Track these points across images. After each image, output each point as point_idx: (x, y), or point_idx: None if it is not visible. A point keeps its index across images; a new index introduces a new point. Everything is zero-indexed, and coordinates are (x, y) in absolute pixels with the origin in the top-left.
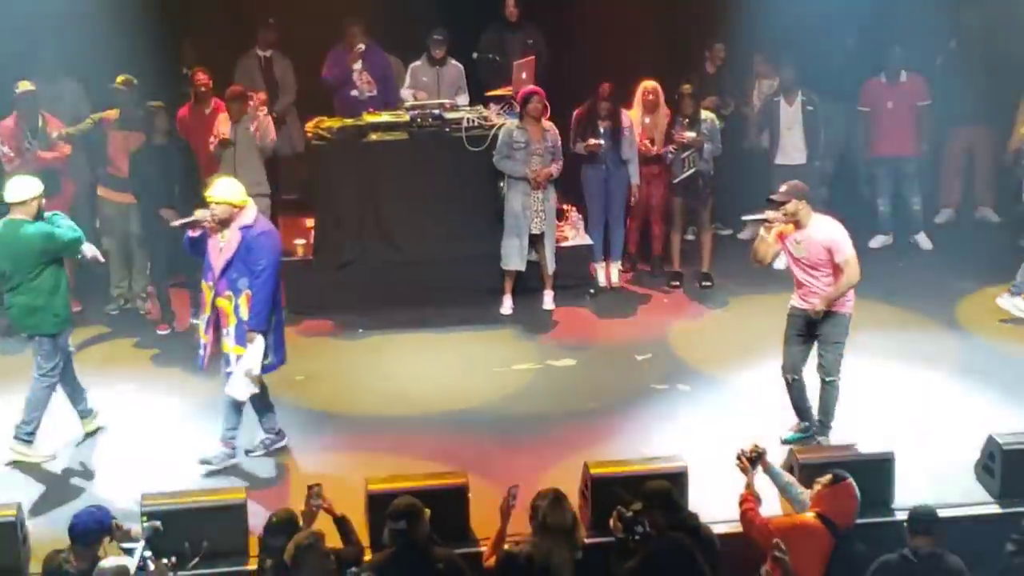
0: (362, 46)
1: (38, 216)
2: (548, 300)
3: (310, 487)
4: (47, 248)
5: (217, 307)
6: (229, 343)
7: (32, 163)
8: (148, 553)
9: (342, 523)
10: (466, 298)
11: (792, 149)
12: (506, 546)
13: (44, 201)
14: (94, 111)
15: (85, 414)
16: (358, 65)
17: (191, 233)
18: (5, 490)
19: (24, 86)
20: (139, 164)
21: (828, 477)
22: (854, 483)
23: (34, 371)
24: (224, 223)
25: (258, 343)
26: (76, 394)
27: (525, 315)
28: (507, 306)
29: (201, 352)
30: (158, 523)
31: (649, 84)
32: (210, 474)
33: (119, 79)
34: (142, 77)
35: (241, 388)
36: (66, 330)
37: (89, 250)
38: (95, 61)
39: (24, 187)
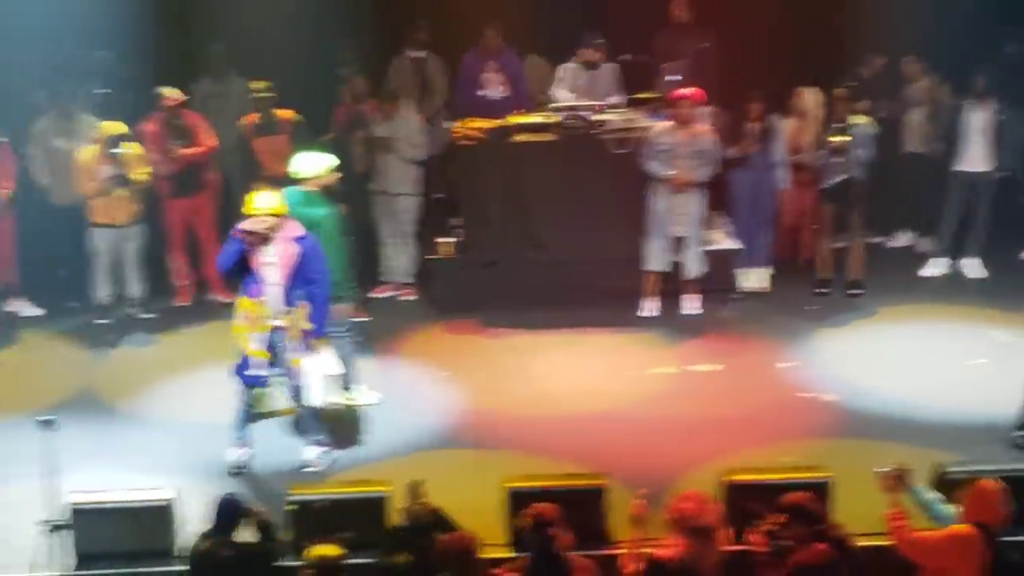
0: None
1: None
2: (691, 304)
3: (412, 484)
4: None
5: (275, 323)
6: (293, 356)
7: (178, 162)
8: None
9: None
10: (609, 300)
11: (977, 157)
12: (646, 552)
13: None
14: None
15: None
16: (491, 66)
17: (241, 247)
18: (158, 474)
19: (170, 93)
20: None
21: (976, 485)
22: (995, 481)
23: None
24: (269, 237)
25: (325, 349)
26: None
27: (667, 319)
28: (647, 308)
29: (261, 371)
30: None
31: (803, 91)
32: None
33: (260, 85)
34: (300, 78)
35: (320, 394)
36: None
37: None
38: (259, 61)
39: (315, 162)
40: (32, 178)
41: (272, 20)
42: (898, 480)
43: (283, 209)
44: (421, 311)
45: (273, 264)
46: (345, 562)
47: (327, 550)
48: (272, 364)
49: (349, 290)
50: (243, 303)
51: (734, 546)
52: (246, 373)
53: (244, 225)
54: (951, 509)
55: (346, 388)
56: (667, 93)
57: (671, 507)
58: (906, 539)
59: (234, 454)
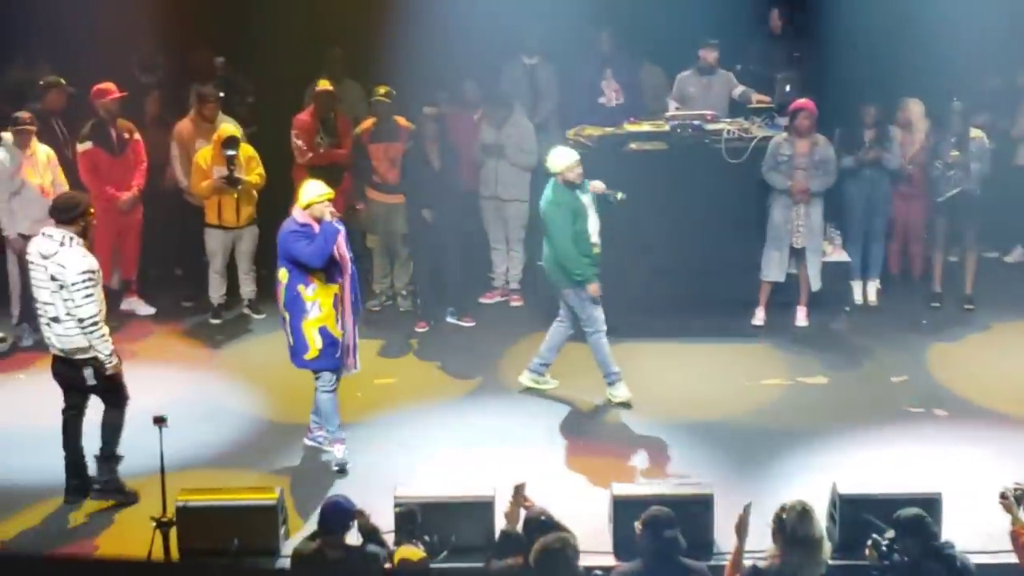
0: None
1: (572, 185)
2: (802, 316)
3: (516, 487)
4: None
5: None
6: (339, 329)
7: (323, 158)
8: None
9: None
10: (720, 309)
11: None
12: (747, 562)
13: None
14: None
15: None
16: (607, 73)
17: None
18: (269, 474)
19: (323, 85)
20: (408, 166)
21: None
22: None
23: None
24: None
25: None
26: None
27: (778, 330)
28: (759, 317)
29: (353, 356)
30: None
31: (909, 102)
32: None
33: (380, 90)
34: (411, 84)
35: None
36: (577, 285)
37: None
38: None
39: (560, 157)
40: (173, 177)
41: (387, 26)
42: (1020, 498)
43: (332, 194)
44: (529, 317)
45: (340, 251)
46: (431, 565)
47: (410, 553)
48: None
49: (590, 273)
50: (328, 290)
51: (839, 561)
52: (338, 357)
53: (331, 212)
54: None
55: (611, 384)
56: (781, 103)
57: (774, 518)
58: None
59: (340, 451)
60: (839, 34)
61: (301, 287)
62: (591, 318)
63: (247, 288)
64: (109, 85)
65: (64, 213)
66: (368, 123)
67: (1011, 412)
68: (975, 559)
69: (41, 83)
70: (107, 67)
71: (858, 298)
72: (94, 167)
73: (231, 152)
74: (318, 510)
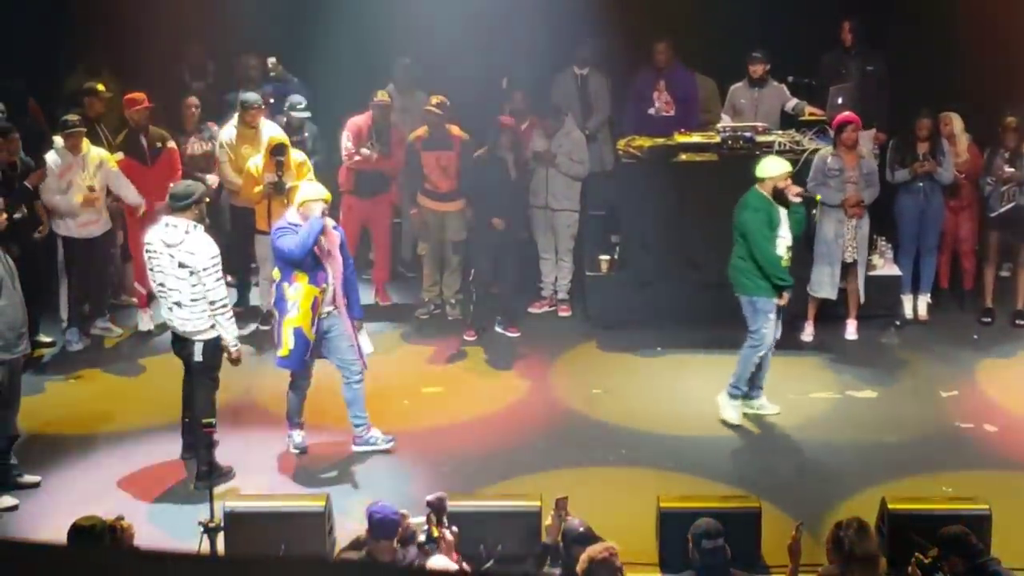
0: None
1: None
2: (852, 329)
3: (558, 500)
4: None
5: (329, 309)
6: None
7: (367, 163)
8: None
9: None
10: None
11: None
12: None
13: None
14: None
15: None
16: (660, 84)
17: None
18: (312, 480)
19: (382, 96)
20: (474, 174)
21: None
22: None
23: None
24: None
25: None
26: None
27: (827, 343)
28: (808, 332)
29: (361, 357)
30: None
31: (946, 115)
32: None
33: (434, 100)
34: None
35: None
36: (759, 295)
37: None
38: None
39: (774, 165)
40: (223, 182)
41: (454, 38)
42: None
43: (330, 197)
44: (576, 327)
45: (329, 252)
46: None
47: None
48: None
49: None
50: (309, 292)
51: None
52: (306, 359)
53: (323, 212)
54: None
55: (751, 397)
56: (832, 116)
57: (831, 534)
58: None
59: (299, 435)
60: (901, 46)
61: (285, 286)
62: (758, 333)
63: None
64: (139, 95)
65: (180, 200)
66: (421, 131)
67: None
68: None
69: (81, 90)
70: (161, 74)
71: (908, 312)
72: (128, 177)
73: (280, 158)
74: (366, 517)
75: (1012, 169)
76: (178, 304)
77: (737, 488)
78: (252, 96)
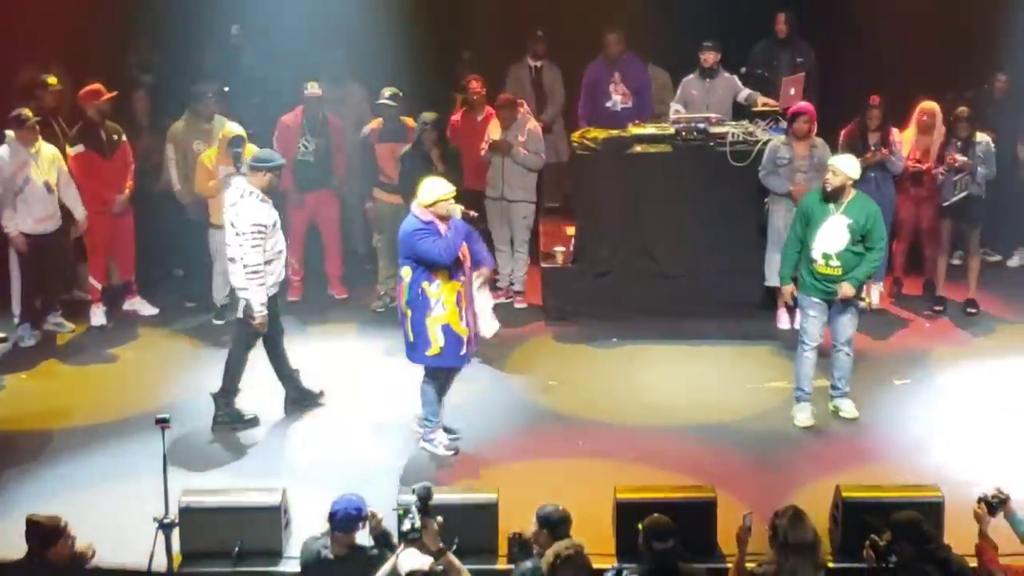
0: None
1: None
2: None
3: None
4: None
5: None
6: (463, 326)
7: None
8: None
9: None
10: (722, 313)
11: None
12: (749, 565)
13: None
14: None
15: None
16: (615, 76)
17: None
18: (273, 474)
19: (312, 88)
20: (405, 167)
21: None
22: None
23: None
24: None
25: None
26: None
27: (782, 333)
28: (784, 320)
29: (468, 348)
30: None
31: (927, 105)
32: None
33: (386, 92)
34: (417, 84)
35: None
36: (799, 293)
37: None
38: (378, 67)
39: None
40: (166, 178)
41: (389, 28)
42: (992, 508)
43: (454, 192)
44: (532, 319)
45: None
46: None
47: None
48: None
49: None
50: (452, 287)
51: (843, 564)
52: (461, 354)
53: (459, 210)
54: None
55: (831, 396)
56: (786, 106)
57: (769, 524)
58: (992, 572)
59: (443, 437)
60: (845, 38)
61: (425, 284)
62: (800, 329)
63: None
64: (98, 86)
65: (257, 161)
66: (375, 123)
67: (1013, 414)
68: (974, 563)
69: (32, 83)
70: (108, 67)
71: (861, 301)
72: (87, 170)
73: (238, 150)
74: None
75: (964, 158)
76: (232, 260)
77: (693, 477)
78: (205, 88)
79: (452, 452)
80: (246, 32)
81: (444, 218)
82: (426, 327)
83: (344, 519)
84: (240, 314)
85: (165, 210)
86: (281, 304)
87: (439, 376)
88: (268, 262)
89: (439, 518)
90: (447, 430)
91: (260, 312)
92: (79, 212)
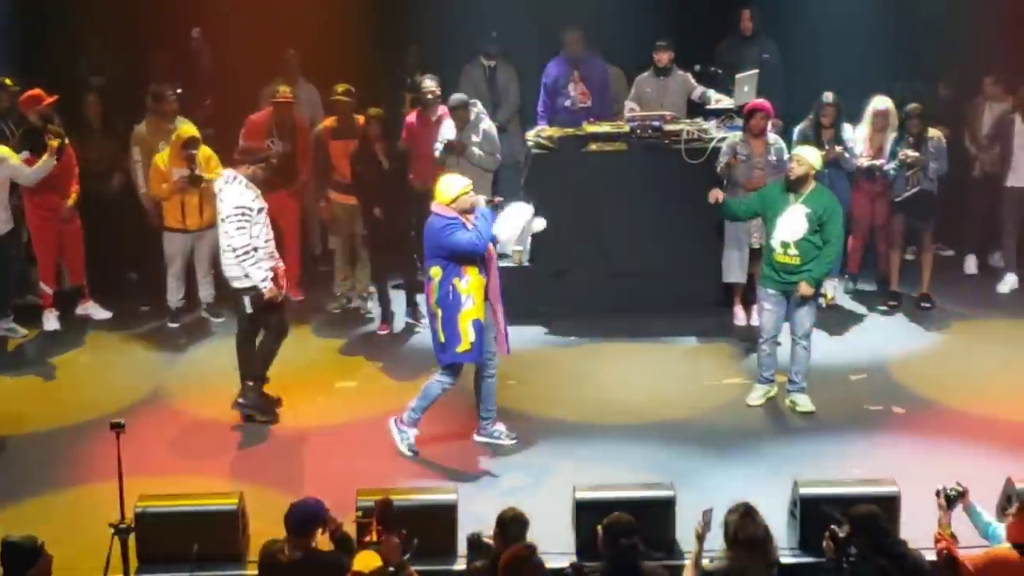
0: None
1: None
2: (756, 315)
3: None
4: None
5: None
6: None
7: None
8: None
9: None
10: (679, 310)
11: None
12: (705, 564)
13: None
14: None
15: None
16: (574, 75)
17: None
18: (230, 478)
19: (284, 92)
20: (355, 166)
21: (1016, 506)
22: None
23: None
24: None
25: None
26: None
27: (738, 329)
28: (741, 317)
29: (507, 343)
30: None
31: (881, 102)
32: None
33: (339, 88)
34: (369, 84)
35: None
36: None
37: None
38: (330, 66)
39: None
40: (132, 180)
41: (344, 25)
42: (950, 500)
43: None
44: None
45: None
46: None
47: (365, 562)
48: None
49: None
50: (480, 282)
51: (800, 559)
52: (489, 348)
53: (482, 200)
54: (1002, 530)
55: (796, 391)
56: (740, 104)
57: (722, 521)
58: (948, 561)
59: (412, 436)
60: (803, 35)
61: (456, 280)
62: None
63: (206, 291)
64: (38, 91)
65: (242, 155)
66: (329, 121)
67: (968, 409)
68: (930, 556)
69: None
70: (60, 71)
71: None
72: None
73: (192, 151)
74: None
75: (916, 154)
76: (223, 249)
77: (652, 475)
78: (166, 87)
79: (412, 455)
80: (206, 36)
81: (467, 211)
82: (458, 324)
83: (299, 523)
84: (249, 309)
85: (118, 213)
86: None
87: (456, 373)
88: (256, 248)
89: (402, 531)
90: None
91: (266, 286)
92: (31, 174)
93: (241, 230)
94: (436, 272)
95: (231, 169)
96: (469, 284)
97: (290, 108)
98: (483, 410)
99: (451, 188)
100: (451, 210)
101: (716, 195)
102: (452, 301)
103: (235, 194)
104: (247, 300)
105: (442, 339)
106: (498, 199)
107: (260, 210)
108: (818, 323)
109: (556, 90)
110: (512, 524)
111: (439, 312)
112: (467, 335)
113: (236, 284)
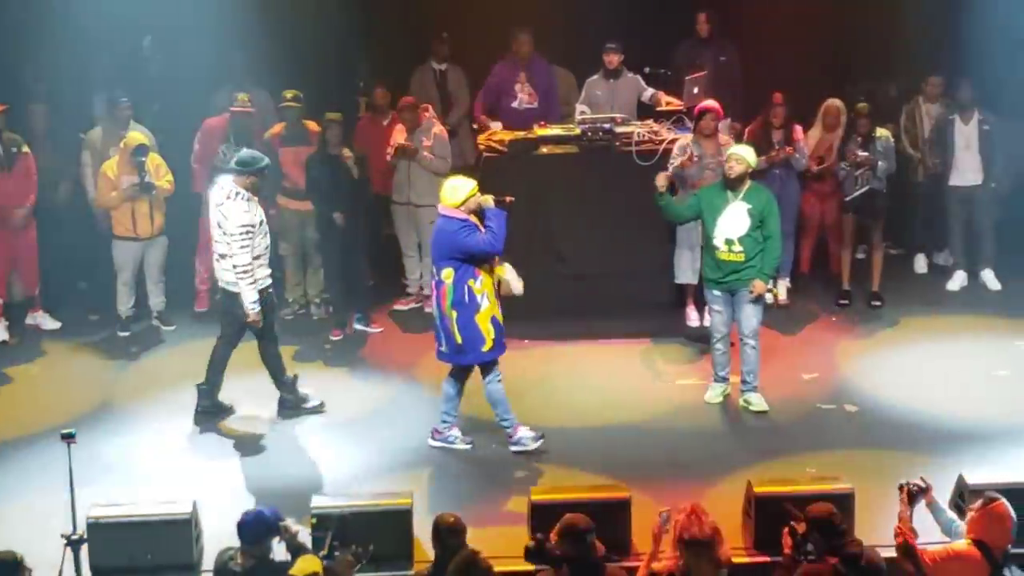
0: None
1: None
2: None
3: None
4: None
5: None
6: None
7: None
8: (336, 543)
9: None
10: (632, 312)
11: (967, 170)
12: (654, 565)
13: None
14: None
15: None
16: (521, 76)
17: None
18: (183, 487)
19: (242, 101)
20: (312, 172)
21: (979, 501)
22: (1007, 503)
23: None
24: None
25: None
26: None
27: (690, 330)
28: (693, 318)
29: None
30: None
31: (832, 103)
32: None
33: (288, 94)
34: (320, 89)
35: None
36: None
37: None
38: (280, 72)
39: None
40: (82, 187)
41: (293, 31)
42: (916, 494)
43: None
44: None
45: None
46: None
47: (303, 568)
48: None
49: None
50: (490, 280)
51: (755, 558)
52: (503, 342)
53: (491, 199)
54: (963, 526)
55: (749, 391)
56: (690, 105)
57: (671, 521)
58: (907, 549)
59: (525, 430)
60: (759, 37)
61: (471, 282)
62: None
63: (157, 299)
64: None
65: (240, 165)
66: (278, 128)
67: (920, 406)
68: (885, 553)
69: None
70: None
71: (768, 298)
72: None
73: (142, 159)
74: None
75: (865, 153)
76: (222, 256)
77: (607, 477)
78: (119, 94)
79: (469, 445)
80: (157, 43)
81: (476, 212)
82: (477, 324)
83: (251, 531)
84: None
85: (65, 222)
86: (230, 308)
87: (467, 373)
88: (256, 257)
89: (357, 548)
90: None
91: (253, 309)
92: None
93: (244, 248)
94: (448, 274)
95: (229, 179)
96: (482, 284)
97: (248, 117)
98: (502, 421)
99: (458, 191)
100: (461, 212)
101: (662, 179)
102: (469, 303)
103: (239, 211)
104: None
105: (459, 341)
106: (510, 198)
107: (261, 222)
108: (770, 323)
109: (503, 91)
110: (449, 534)
111: (454, 314)
112: (489, 333)
113: (232, 289)
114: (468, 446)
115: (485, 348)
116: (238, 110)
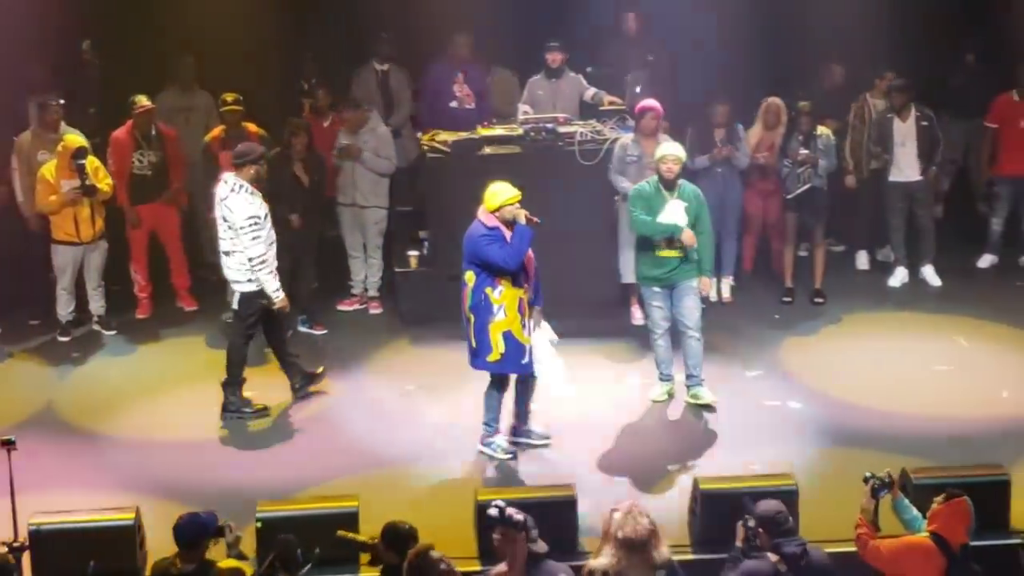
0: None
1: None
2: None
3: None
4: None
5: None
6: (526, 334)
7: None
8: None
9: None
10: (576, 311)
11: (906, 165)
12: (590, 562)
13: None
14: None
15: None
16: (458, 77)
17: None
18: (126, 493)
19: (142, 101)
20: (272, 173)
21: (942, 495)
22: (968, 501)
23: None
24: None
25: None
26: None
27: (635, 329)
28: (638, 317)
29: (530, 356)
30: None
31: (772, 101)
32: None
33: (228, 97)
34: (264, 91)
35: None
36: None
37: None
38: (223, 74)
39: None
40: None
41: (236, 32)
42: (878, 488)
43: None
44: (388, 324)
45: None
46: None
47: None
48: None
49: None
50: (514, 294)
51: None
52: (523, 363)
53: (524, 215)
54: (923, 520)
55: (695, 385)
56: (631, 104)
57: (605, 518)
58: (865, 546)
59: (502, 441)
60: (690, 36)
61: (488, 289)
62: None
63: (97, 304)
64: None
65: (238, 158)
66: (217, 131)
67: (863, 402)
68: (830, 548)
69: None
70: None
71: (712, 295)
72: None
73: (81, 162)
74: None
75: (807, 151)
76: (227, 253)
77: (553, 476)
78: (50, 97)
79: (510, 456)
80: (97, 47)
81: (509, 224)
82: (488, 333)
83: (187, 535)
84: (234, 306)
85: (3, 226)
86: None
87: (504, 383)
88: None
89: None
90: (529, 434)
91: (277, 296)
92: None
93: (256, 239)
94: (470, 277)
95: (232, 174)
96: (502, 295)
97: (150, 116)
98: (485, 424)
99: (496, 196)
100: (494, 219)
101: (690, 237)
102: (484, 309)
103: (244, 203)
104: (236, 297)
105: (474, 344)
106: (537, 220)
107: (266, 215)
108: (714, 321)
109: (440, 91)
110: (399, 540)
111: (472, 318)
112: (497, 345)
113: (239, 288)
114: (508, 456)
115: (490, 358)
116: (138, 111)
